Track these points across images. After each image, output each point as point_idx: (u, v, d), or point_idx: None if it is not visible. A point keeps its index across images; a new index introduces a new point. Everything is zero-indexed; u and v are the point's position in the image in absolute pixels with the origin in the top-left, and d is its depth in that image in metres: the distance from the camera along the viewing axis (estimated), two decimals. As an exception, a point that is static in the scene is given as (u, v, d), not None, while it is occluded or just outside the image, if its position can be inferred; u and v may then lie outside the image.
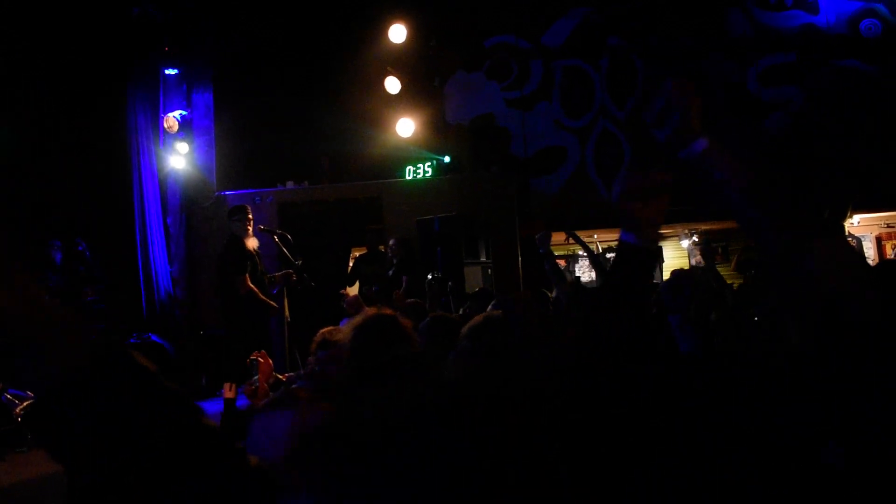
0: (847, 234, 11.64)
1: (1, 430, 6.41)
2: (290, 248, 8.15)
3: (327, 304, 7.78)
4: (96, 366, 1.00)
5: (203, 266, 10.13)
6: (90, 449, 1.00)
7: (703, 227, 13.30)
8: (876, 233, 13.33)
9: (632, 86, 12.55)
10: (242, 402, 4.35)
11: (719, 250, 13.45)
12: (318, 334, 3.72)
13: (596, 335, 1.85)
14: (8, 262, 1.04)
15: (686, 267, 12.83)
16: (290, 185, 10.91)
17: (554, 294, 7.34)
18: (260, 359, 4.49)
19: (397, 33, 11.49)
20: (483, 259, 10.10)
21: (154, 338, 9.45)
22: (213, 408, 8.05)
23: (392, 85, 11.54)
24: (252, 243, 7.85)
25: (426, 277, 7.29)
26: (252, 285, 7.64)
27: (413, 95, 11.76)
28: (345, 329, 3.16)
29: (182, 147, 10.42)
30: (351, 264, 10.53)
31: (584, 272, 13.79)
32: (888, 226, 13.27)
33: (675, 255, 14.08)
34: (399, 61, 11.72)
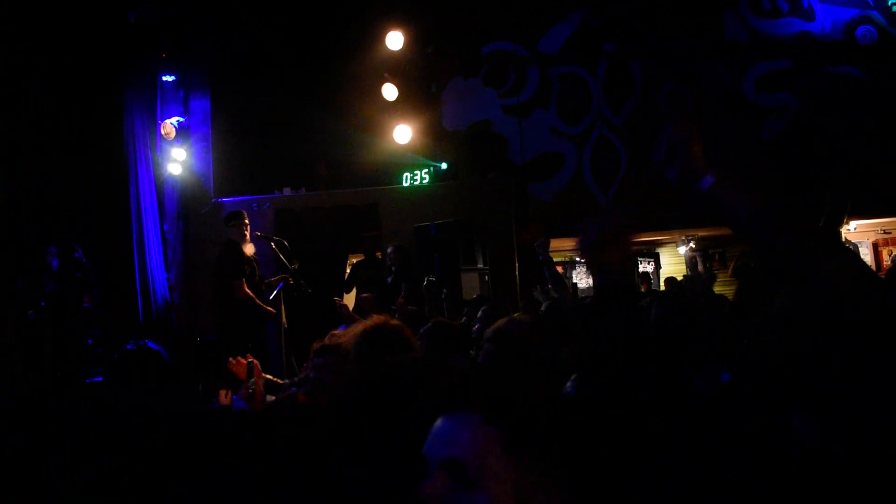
0: (843, 240, 11.68)
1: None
2: (287, 255, 8.14)
3: (324, 311, 7.76)
4: None
5: (200, 272, 10.11)
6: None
7: (701, 233, 13.32)
8: (872, 239, 13.36)
9: (628, 92, 12.57)
10: (239, 406, 4.33)
11: (716, 256, 13.48)
12: (315, 343, 3.70)
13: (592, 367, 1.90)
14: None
15: (683, 273, 12.85)
16: (287, 191, 10.90)
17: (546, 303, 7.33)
18: (246, 360, 4.47)
19: (394, 40, 11.50)
20: (480, 265, 10.09)
21: (150, 344, 9.39)
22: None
23: (389, 91, 11.54)
24: (249, 249, 7.84)
25: (424, 283, 7.28)
26: (248, 290, 7.62)
27: (410, 102, 11.76)
28: (350, 333, 3.16)
29: (179, 153, 10.42)
30: (348, 270, 10.52)
31: (582, 278, 13.80)
32: (884, 232, 13.30)
33: (673, 261, 14.10)
34: (396, 68, 11.72)
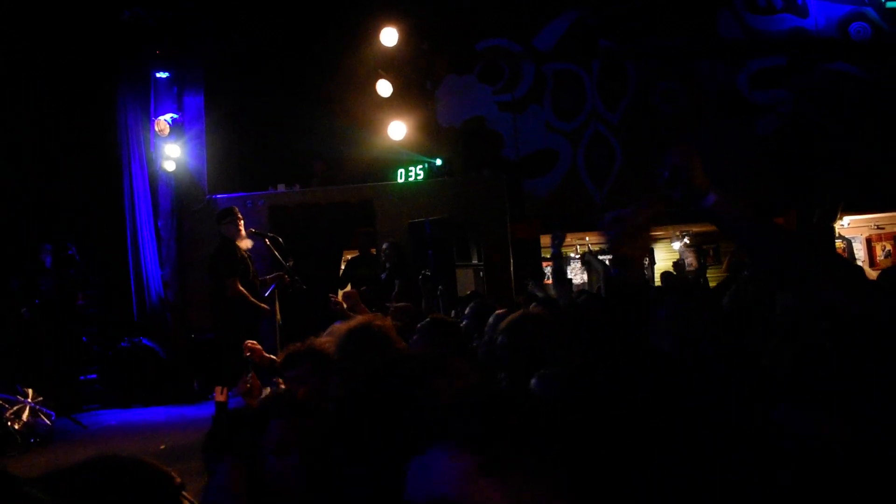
0: (837, 235, 11.71)
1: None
2: (282, 251, 8.12)
3: (319, 307, 7.75)
4: None
5: (194, 269, 10.08)
6: None
7: (695, 228, 13.35)
8: (866, 234, 13.40)
9: (623, 89, 12.58)
10: (235, 403, 4.32)
11: (710, 252, 13.51)
12: (281, 354, 3.37)
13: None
14: None
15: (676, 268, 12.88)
16: (281, 188, 10.88)
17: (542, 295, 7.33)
18: (249, 351, 4.42)
19: (389, 36, 11.48)
20: (475, 261, 10.10)
21: (145, 341, 9.42)
22: (204, 411, 8.05)
23: (384, 88, 11.53)
24: (244, 245, 7.81)
25: (419, 276, 7.28)
26: (242, 288, 7.59)
27: (405, 98, 11.75)
28: (332, 337, 3.11)
29: (173, 150, 10.39)
30: (343, 267, 10.51)
31: (576, 274, 13.81)
32: (878, 227, 13.34)
33: (667, 257, 14.12)
34: (391, 64, 11.71)
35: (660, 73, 12.48)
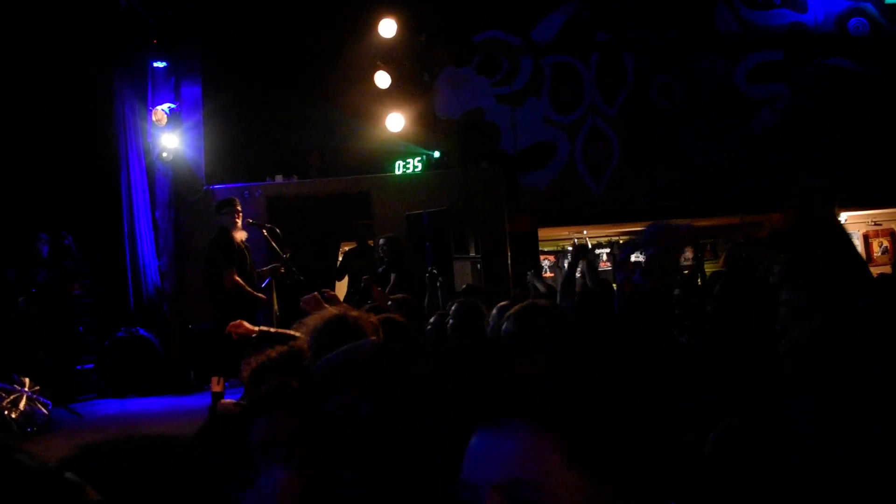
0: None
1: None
2: (279, 242, 8.12)
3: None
4: None
5: (191, 260, 10.08)
6: None
7: (695, 223, 13.34)
8: (863, 230, 13.42)
9: (621, 82, 12.57)
10: (231, 396, 4.31)
11: (708, 247, 13.52)
12: (245, 368, 3.11)
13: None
14: None
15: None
16: (279, 179, 10.87)
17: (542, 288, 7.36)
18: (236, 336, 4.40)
19: (387, 28, 11.46)
20: (472, 254, 10.11)
21: (142, 332, 9.42)
22: (201, 402, 8.06)
23: (382, 80, 11.51)
24: (241, 236, 7.81)
25: (426, 272, 7.28)
26: (238, 279, 7.59)
27: (403, 90, 11.74)
28: (303, 331, 3.06)
29: (170, 140, 10.37)
30: (340, 258, 10.51)
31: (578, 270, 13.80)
32: (875, 223, 13.36)
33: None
34: (389, 56, 11.69)
35: (657, 66, 12.47)
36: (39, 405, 6.83)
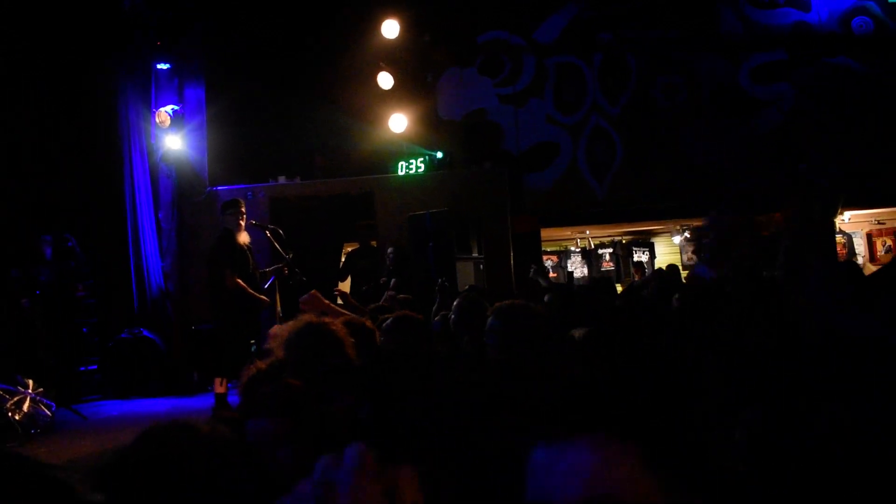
0: (837, 230, 11.71)
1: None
2: (282, 243, 8.14)
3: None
4: None
5: (195, 261, 10.09)
6: None
7: (696, 222, 13.33)
8: (866, 229, 13.39)
9: (624, 82, 12.56)
10: (235, 397, 4.31)
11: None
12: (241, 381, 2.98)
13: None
14: None
15: (677, 263, 12.87)
16: (282, 180, 10.89)
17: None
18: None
19: (390, 29, 11.47)
20: (475, 255, 10.10)
21: (145, 333, 9.44)
22: (204, 403, 8.06)
23: (385, 80, 11.52)
24: (243, 238, 7.83)
25: (427, 273, 7.29)
26: (239, 280, 7.60)
27: (406, 91, 11.74)
28: (275, 344, 3.04)
29: (174, 142, 10.39)
30: (343, 259, 10.52)
31: (577, 268, 13.82)
32: (878, 223, 13.33)
33: (667, 251, 14.12)
34: (392, 57, 11.69)
35: (660, 67, 12.46)
36: (43, 406, 6.84)
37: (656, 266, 13.70)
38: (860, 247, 13.24)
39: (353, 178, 11.06)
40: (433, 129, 12.11)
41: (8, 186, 9.11)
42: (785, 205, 11.30)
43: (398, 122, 11.41)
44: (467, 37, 12.71)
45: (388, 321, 4.01)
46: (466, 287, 8.03)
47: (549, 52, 12.69)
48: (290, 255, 8.06)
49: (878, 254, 13.21)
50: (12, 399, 6.62)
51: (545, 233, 12.39)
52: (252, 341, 8.07)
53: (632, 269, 13.51)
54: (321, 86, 11.47)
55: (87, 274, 9.25)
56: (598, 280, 10.17)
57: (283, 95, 11.28)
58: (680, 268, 12.20)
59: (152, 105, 10.42)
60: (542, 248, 12.56)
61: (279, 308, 8.72)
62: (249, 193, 10.39)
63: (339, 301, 7.10)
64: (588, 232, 13.90)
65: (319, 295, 5.87)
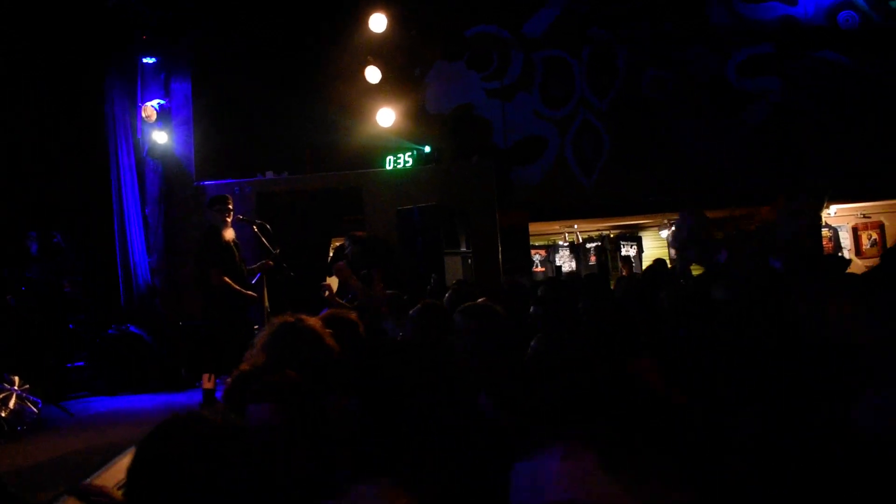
0: (823, 223, 11.77)
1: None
2: (269, 238, 8.11)
3: (307, 294, 7.76)
4: None
5: (182, 256, 10.06)
6: None
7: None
8: (852, 223, 13.47)
9: (612, 77, 12.58)
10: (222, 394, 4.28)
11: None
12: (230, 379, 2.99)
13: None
14: None
15: (665, 257, 12.92)
16: (269, 175, 10.85)
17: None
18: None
19: (378, 22, 11.44)
20: (463, 249, 10.10)
21: (133, 328, 9.39)
22: (192, 399, 8.04)
23: (372, 74, 11.49)
24: (229, 234, 7.79)
25: (417, 268, 7.28)
26: (226, 277, 7.57)
27: (393, 85, 11.72)
28: (254, 352, 3.02)
29: (160, 136, 10.34)
30: (331, 254, 10.49)
31: (565, 262, 13.84)
32: (864, 216, 13.41)
33: (655, 245, 14.17)
34: (379, 51, 11.67)
35: (648, 60, 12.48)
36: (29, 404, 6.80)
37: (643, 260, 13.75)
38: (846, 240, 13.32)
39: (340, 172, 11.04)
40: (421, 123, 12.10)
41: (-7, 182, 9.05)
42: (772, 198, 11.38)
43: (386, 117, 11.40)
44: (455, 31, 12.70)
45: (415, 310, 4.01)
46: (454, 282, 8.03)
47: (537, 46, 12.70)
48: (278, 251, 8.04)
49: (864, 247, 13.29)
50: (-1, 395, 6.59)
51: (533, 227, 12.40)
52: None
53: (619, 264, 13.55)
54: (309, 80, 11.44)
55: (74, 270, 9.19)
56: (590, 275, 10.19)
57: (270, 90, 11.23)
58: (668, 262, 12.23)
59: (138, 99, 10.36)
60: (531, 243, 12.58)
61: (267, 303, 8.70)
62: (237, 188, 10.36)
63: (326, 294, 7.08)
64: (576, 226, 13.92)
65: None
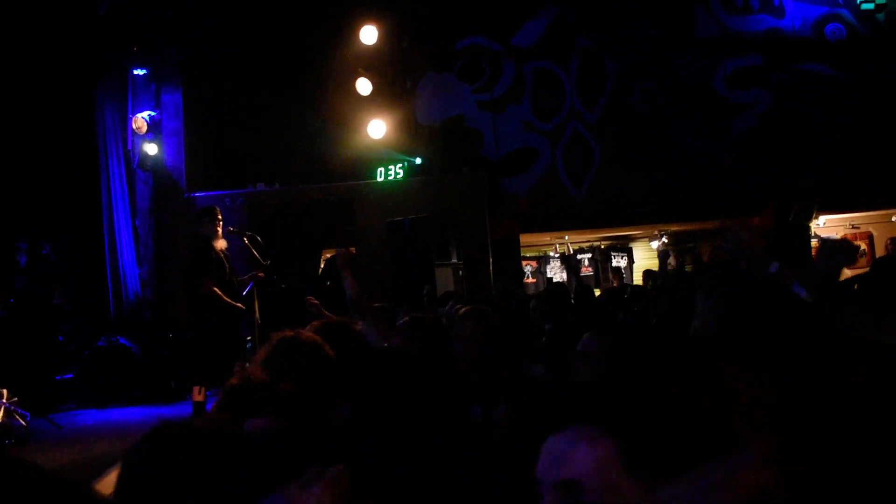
0: (812, 234, 11.83)
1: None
2: (260, 250, 8.09)
3: (297, 306, 7.73)
4: None
5: (172, 268, 10.03)
6: None
7: (674, 227, 13.42)
8: (841, 233, 13.52)
9: (601, 88, 12.62)
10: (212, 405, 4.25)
11: (689, 251, 13.58)
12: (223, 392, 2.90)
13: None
14: None
15: (656, 268, 12.94)
16: (260, 186, 10.84)
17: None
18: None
19: (369, 34, 11.47)
20: (454, 260, 10.10)
21: (122, 340, 9.34)
22: (182, 411, 8.00)
23: (363, 86, 11.51)
24: (220, 245, 7.76)
25: (408, 280, 7.27)
26: (216, 288, 7.54)
27: (384, 97, 11.74)
28: (254, 368, 3.01)
29: (151, 148, 10.32)
30: (322, 266, 10.48)
31: (556, 273, 13.85)
32: (853, 226, 13.47)
33: (646, 256, 14.19)
34: (370, 63, 11.69)
35: (638, 72, 12.54)
36: (17, 416, 6.76)
37: (634, 271, 13.77)
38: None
39: (331, 184, 11.04)
40: (412, 135, 12.11)
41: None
42: (763, 207, 11.44)
43: (377, 128, 11.41)
44: (446, 43, 12.73)
45: (403, 321, 4.00)
46: (443, 293, 8.02)
47: (528, 57, 12.73)
48: (268, 262, 8.01)
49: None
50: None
51: (524, 238, 12.41)
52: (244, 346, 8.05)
53: (610, 275, 13.56)
54: (300, 92, 11.44)
55: (64, 281, 9.15)
56: (581, 286, 10.19)
57: (260, 102, 11.24)
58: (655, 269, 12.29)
59: (129, 111, 10.34)
60: (522, 254, 12.59)
61: (258, 315, 8.66)
62: (228, 200, 10.34)
63: (313, 310, 7.05)
64: (567, 237, 13.94)
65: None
